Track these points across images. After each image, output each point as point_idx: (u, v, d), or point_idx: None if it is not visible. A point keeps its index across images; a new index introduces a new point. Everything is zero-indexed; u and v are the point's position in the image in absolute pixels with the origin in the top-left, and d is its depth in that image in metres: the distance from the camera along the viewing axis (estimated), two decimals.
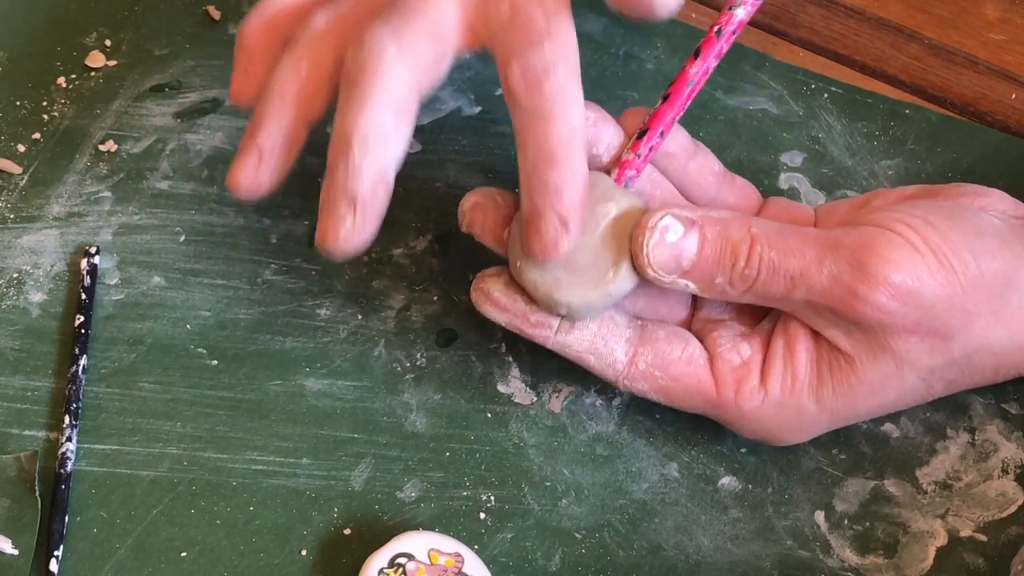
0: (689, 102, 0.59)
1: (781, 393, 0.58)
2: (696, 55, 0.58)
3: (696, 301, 0.61)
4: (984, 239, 0.57)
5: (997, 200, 0.60)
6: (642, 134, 0.58)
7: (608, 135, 0.59)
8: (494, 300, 0.59)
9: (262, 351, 0.64)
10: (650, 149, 0.58)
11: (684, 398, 0.59)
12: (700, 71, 0.58)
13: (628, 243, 0.57)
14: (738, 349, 0.59)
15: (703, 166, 0.62)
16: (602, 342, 0.59)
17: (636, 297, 0.59)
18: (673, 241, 0.56)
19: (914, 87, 0.72)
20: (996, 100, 0.72)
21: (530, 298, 0.58)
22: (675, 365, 0.59)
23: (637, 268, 0.57)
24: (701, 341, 0.60)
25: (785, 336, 0.58)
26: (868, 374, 0.57)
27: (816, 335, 0.58)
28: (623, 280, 0.57)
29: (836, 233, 0.56)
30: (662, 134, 0.59)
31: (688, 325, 0.61)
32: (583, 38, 0.72)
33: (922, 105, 0.71)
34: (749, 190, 0.63)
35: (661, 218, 0.56)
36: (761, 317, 0.60)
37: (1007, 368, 0.60)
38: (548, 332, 0.59)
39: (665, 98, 0.58)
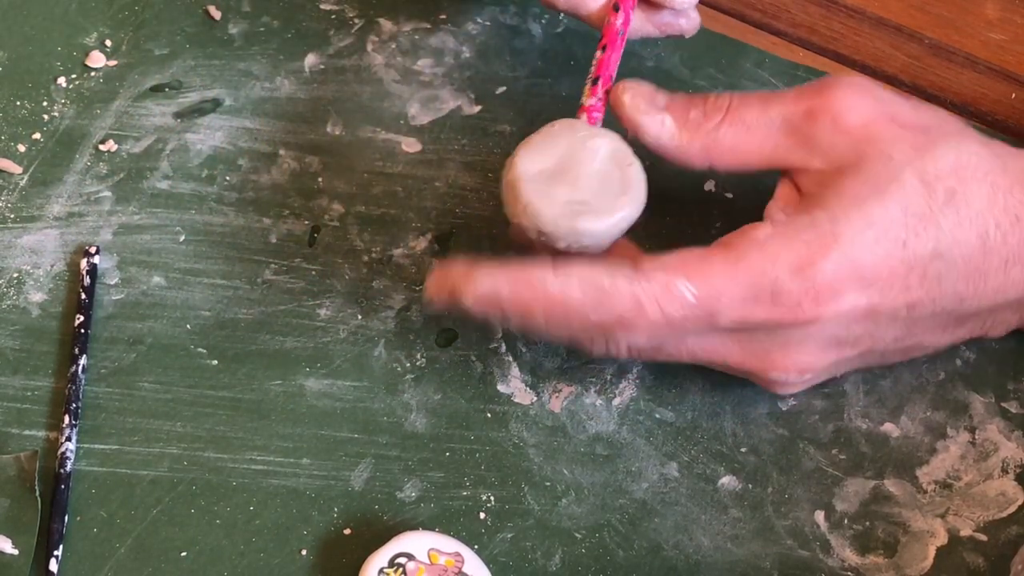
0: (623, 44, 0.64)
1: (786, 215, 0.58)
2: (616, 9, 0.64)
3: None
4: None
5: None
6: (595, 81, 0.63)
7: None
8: (484, 269, 0.57)
9: (262, 351, 0.64)
10: (606, 92, 0.62)
11: (705, 266, 0.56)
12: (623, 21, 0.64)
13: (630, 174, 0.59)
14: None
15: None
16: (601, 263, 0.56)
17: None
18: (648, 88, 0.60)
19: (914, 87, 0.72)
20: (996, 100, 0.71)
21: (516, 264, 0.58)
22: (677, 251, 0.56)
23: (618, 107, 0.60)
24: None
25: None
26: (860, 171, 0.57)
27: (795, 180, 0.59)
28: (636, 210, 0.59)
29: None
30: (611, 77, 0.63)
31: None
32: (583, 37, 0.72)
33: None
34: None
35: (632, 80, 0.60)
36: None
37: (1004, 192, 0.58)
38: (548, 268, 0.56)
39: (603, 48, 0.63)
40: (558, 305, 0.56)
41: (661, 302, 0.55)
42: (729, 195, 0.68)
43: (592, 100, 0.62)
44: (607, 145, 0.60)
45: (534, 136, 0.61)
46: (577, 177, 0.59)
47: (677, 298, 0.55)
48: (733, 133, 0.58)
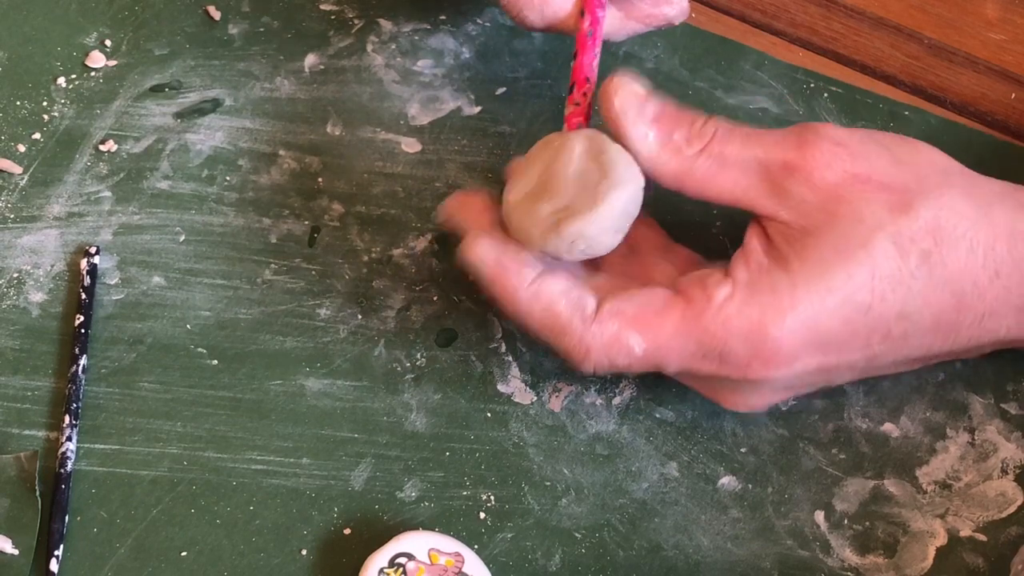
0: (598, 48, 0.63)
1: (748, 273, 0.57)
2: (582, 14, 0.63)
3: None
4: (896, 138, 0.60)
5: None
6: (571, 88, 0.62)
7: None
8: (492, 235, 0.58)
9: (262, 351, 0.64)
10: (584, 95, 0.62)
11: (658, 322, 0.57)
12: (590, 23, 0.63)
13: (605, 161, 0.58)
14: (695, 269, 0.59)
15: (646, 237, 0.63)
16: (575, 290, 0.58)
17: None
18: (639, 91, 0.59)
19: (914, 87, 0.72)
20: (996, 100, 0.72)
21: (518, 248, 0.59)
22: (640, 295, 0.57)
23: (606, 109, 0.58)
24: None
25: (740, 253, 0.58)
26: (829, 233, 0.56)
27: (769, 231, 0.58)
28: (619, 195, 0.57)
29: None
30: (588, 80, 0.62)
31: None
32: None
33: (921, 107, 0.71)
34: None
35: (625, 74, 0.59)
36: None
37: (983, 251, 0.57)
38: (531, 274, 0.58)
39: (574, 55, 0.63)
40: (522, 315, 0.58)
41: (608, 350, 0.57)
42: None
43: (570, 107, 0.62)
44: (580, 144, 0.59)
45: (520, 162, 0.61)
46: (557, 186, 0.58)
47: (624, 349, 0.57)
48: (709, 165, 0.58)
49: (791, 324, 0.56)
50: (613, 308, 0.57)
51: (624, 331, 0.57)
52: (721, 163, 0.58)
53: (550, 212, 0.58)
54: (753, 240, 0.58)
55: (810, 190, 0.57)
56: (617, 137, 0.59)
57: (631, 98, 0.58)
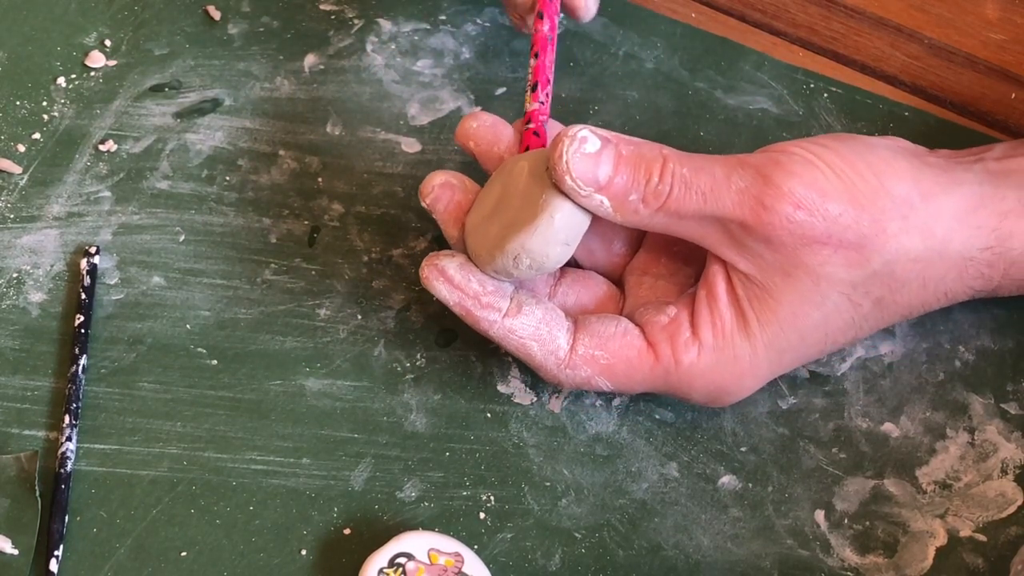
0: (554, 49, 0.65)
1: (714, 338, 0.59)
2: (540, 16, 0.65)
3: (623, 289, 0.63)
4: (878, 151, 0.59)
5: (890, 138, 0.62)
6: (534, 87, 0.64)
7: (507, 134, 0.62)
8: (448, 277, 0.59)
9: (262, 351, 0.64)
10: (547, 95, 0.64)
11: (628, 372, 0.59)
12: (549, 27, 0.65)
13: (548, 176, 0.57)
14: (664, 311, 0.60)
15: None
16: (546, 328, 0.59)
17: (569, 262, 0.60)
18: (590, 152, 0.57)
19: (914, 87, 0.72)
20: (996, 100, 0.72)
21: (483, 283, 0.59)
22: (612, 340, 0.59)
23: (557, 179, 0.57)
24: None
25: (706, 285, 0.59)
26: (786, 296, 0.58)
27: (732, 276, 0.58)
28: (559, 206, 0.57)
29: (740, 155, 0.58)
30: (549, 80, 0.64)
31: (619, 310, 0.62)
32: (583, 38, 0.72)
33: (921, 108, 0.71)
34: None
35: (579, 129, 0.57)
36: (684, 288, 0.61)
37: (934, 283, 0.59)
38: (496, 315, 0.59)
39: (535, 55, 0.64)
40: (497, 340, 0.60)
41: (579, 386, 0.60)
42: None
43: (535, 105, 0.63)
44: (528, 162, 0.59)
45: (483, 188, 0.61)
46: (505, 206, 0.58)
47: (594, 387, 0.60)
48: (667, 221, 0.58)
49: (749, 384, 0.60)
50: (586, 354, 0.59)
51: (595, 376, 0.60)
52: (679, 219, 0.58)
53: (497, 230, 0.58)
54: (719, 283, 0.59)
55: (768, 250, 0.57)
56: (574, 200, 0.58)
57: (582, 165, 0.57)
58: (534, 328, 0.59)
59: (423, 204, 0.61)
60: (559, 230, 0.57)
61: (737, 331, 0.59)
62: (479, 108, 0.61)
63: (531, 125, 0.62)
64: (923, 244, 0.58)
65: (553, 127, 0.63)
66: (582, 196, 0.57)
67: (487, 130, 0.62)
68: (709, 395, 0.60)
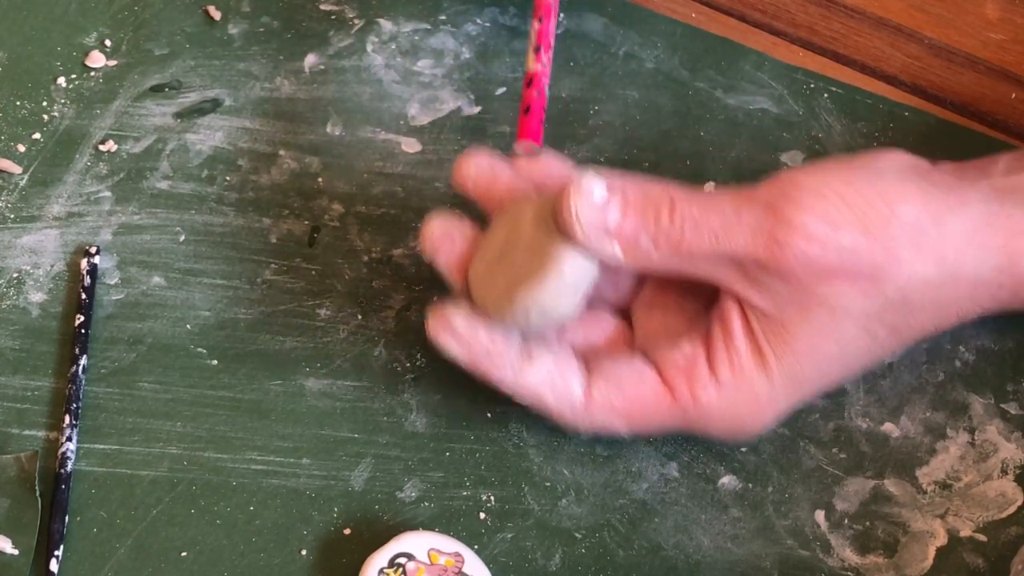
0: (556, 17, 0.68)
1: (731, 375, 0.58)
2: None
3: (631, 318, 0.62)
4: (886, 177, 0.58)
5: (894, 155, 0.61)
6: (537, 49, 0.67)
7: (505, 174, 0.61)
8: (456, 333, 0.58)
9: (262, 351, 0.64)
10: (548, 59, 0.67)
11: (645, 414, 0.59)
12: None
13: (556, 228, 0.57)
14: (678, 348, 0.59)
15: None
16: (559, 375, 0.58)
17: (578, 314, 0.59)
18: (597, 202, 0.56)
19: (914, 87, 0.72)
20: (996, 100, 0.71)
21: (491, 338, 0.58)
22: (628, 384, 0.59)
23: (566, 229, 0.56)
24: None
25: (720, 321, 0.58)
26: (803, 330, 0.57)
27: (747, 311, 0.58)
28: (568, 257, 0.56)
29: (748, 189, 0.58)
30: (551, 46, 0.67)
31: (629, 346, 0.62)
32: (583, 38, 0.72)
33: (921, 108, 0.71)
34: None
35: (583, 179, 0.56)
36: (694, 318, 0.61)
37: (947, 306, 0.59)
38: (507, 368, 0.58)
39: (540, 19, 0.67)
40: (509, 392, 0.59)
41: (597, 430, 0.60)
42: None
43: (539, 66, 0.66)
44: (531, 210, 0.58)
45: (486, 233, 0.60)
46: (512, 255, 0.58)
47: (612, 430, 0.60)
48: (679, 262, 0.57)
49: (768, 418, 0.60)
50: (603, 401, 0.59)
51: (613, 420, 0.59)
52: (691, 259, 0.57)
53: (504, 282, 0.57)
54: (733, 319, 0.58)
55: (783, 284, 0.57)
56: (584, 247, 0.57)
57: (590, 215, 0.56)
58: (547, 376, 0.58)
59: (423, 255, 0.61)
60: (569, 282, 0.57)
61: (754, 367, 0.58)
62: (477, 150, 0.61)
63: (533, 89, 0.65)
64: (936, 268, 0.58)
65: (553, 161, 0.62)
66: (593, 245, 0.56)
67: (484, 171, 0.61)
68: (728, 432, 0.60)
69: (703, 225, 0.56)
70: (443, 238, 0.60)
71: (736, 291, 0.58)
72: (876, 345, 0.59)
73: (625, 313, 0.63)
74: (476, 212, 0.61)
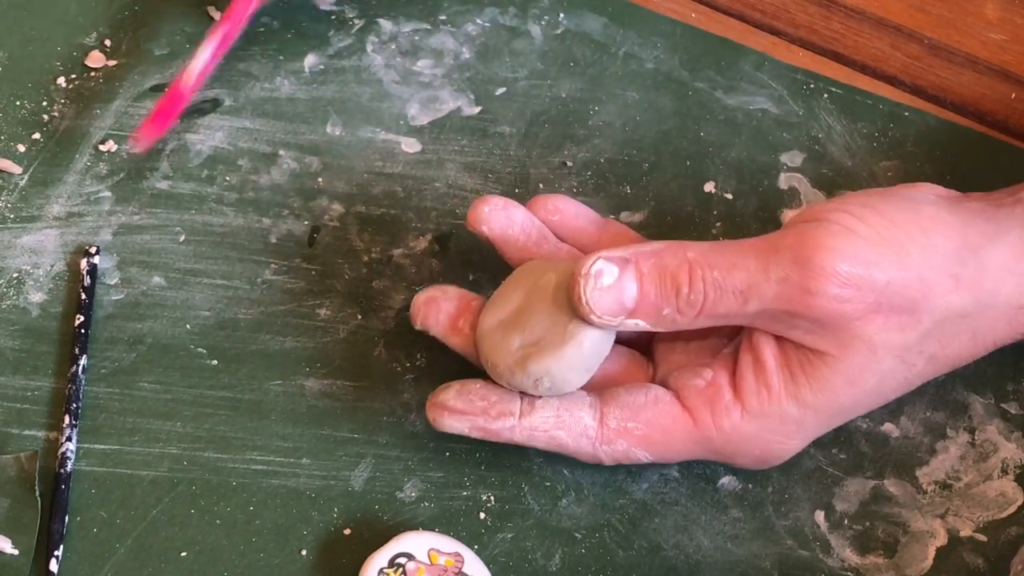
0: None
1: (759, 404, 0.57)
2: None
3: (653, 357, 0.61)
4: (922, 208, 0.57)
5: (926, 187, 0.60)
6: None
7: (519, 216, 0.61)
8: (452, 408, 0.58)
9: (262, 351, 0.64)
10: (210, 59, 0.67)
11: (665, 440, 0.58)
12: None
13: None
14: (700, 375, 0.58)
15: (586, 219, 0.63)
16: (567, 413, 0.58)
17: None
18: (610, 284, 0.55)
19: (914, 87, 0.72)
20: (996, 100, 0.72)
21: (485, 396, 0.58)
22: (644, 410, 0.58)
23: (581, 316, 0.55)
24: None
25: (751, 350, 0.57)
26: (842, 365, 0.56)
27: (781, 339, 0.57)
28: (588, 333, 0.56)
29: (772, 238, 0.56)
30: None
31: (647, 378, 0.61)
32: (583, 38, 0.72)
33: (921, 107, 0.71)
34: (623, 228, 0.63)
35: (592, 263, 0.55)
36: (718, 350, 0.60)
37: (983, 334, 0.59)
38: (512, 420, 0.58)
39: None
40: (523, 443, 0.59)
41: (618, 460, 0.59)
42: (729, 196, 0.68)
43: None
44: (555, 275, 0.57)
45: (501, 287, 0.59)
46: (528, 319, 0.57)
47: (633, 459, 0.59)
48: (706, 320, 0.56)
49: (796, 445, 0.59)
50: (618, 427, 0.58)
51: (632, 448, 0.58)
52: (719, 318, 0.56)
53: (518, 346, 0.57)
54: (766, 350, 0.57)
55: (820, 328, 0.56)
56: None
57: (604, 301, 0.55)
58: (555, 416, 0.58)
59: (415, 327, 0.60)
60: (587, 358, 0.56)
61: (786, 396, 0.57)
62: (491, 195, 0.59)
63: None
64: (973, 299, 0.57)
65: (570, 206, 0.62)
66: (614, 326, 0.56)
67: (499, 213, 0.61)
68: (756, 459, 0.59)
69: (726, 287, 0.55)
70: (428, 305, 0.60)
71: (772, 331, 0.57)
72: (912, 375, 0.58)
73: (644, 349, 0.62)
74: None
